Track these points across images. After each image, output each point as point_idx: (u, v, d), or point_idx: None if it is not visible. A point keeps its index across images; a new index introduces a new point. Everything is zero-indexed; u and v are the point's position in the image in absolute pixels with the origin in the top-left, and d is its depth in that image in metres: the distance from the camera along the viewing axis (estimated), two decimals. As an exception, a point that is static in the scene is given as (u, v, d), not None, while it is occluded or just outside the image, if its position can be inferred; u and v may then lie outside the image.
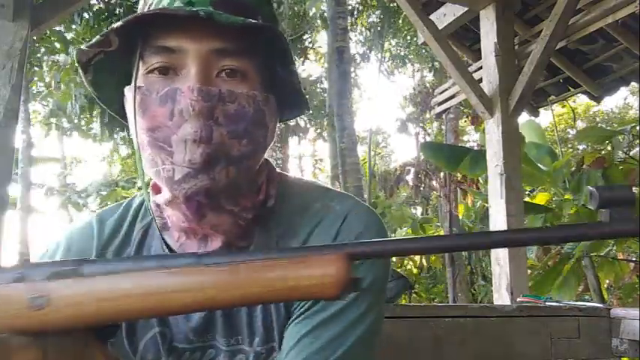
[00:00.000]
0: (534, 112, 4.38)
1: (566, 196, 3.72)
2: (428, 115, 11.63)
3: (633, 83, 4.18)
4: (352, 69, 11.77)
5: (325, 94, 12.33)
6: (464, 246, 0.55)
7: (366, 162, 10.92)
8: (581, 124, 13.03)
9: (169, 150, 0.66)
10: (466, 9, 3.17)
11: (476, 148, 5.57)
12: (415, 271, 9.13)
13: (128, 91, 0.71)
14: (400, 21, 11.34)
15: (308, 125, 14.04)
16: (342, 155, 8.49)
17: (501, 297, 2.82)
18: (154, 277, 0.53)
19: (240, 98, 0.68)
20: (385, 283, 0.75)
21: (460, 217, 7.61)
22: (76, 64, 0.71)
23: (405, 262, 9.17)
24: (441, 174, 8.29)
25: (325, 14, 10.11)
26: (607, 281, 5.57)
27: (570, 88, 4.11)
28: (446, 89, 4.30)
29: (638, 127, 3.76)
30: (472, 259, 8.37)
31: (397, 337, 1.75)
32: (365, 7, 12.11)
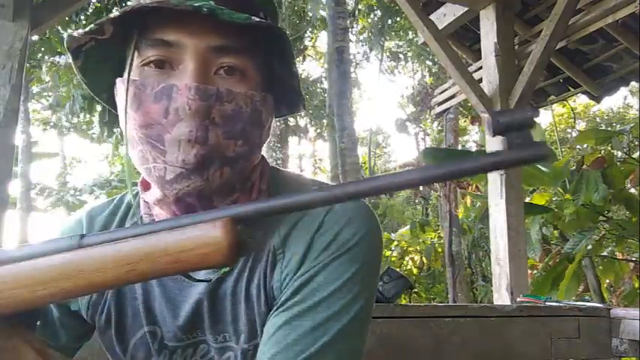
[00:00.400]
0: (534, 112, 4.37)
1: (566, 196, 3.71)
2: (428, 116, 11.63)
3: (633, 83, 4.18)
4: (352, 69, 11.77)
5: (325, 94, 12.32)
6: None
7: (367, 161, 10.92)
8: (581, 124, 13.03)
9: (162, 148, 0.64)
10: (466, 9, 3.17)
11: (476, 148, 5.56)
12: (415, 271, 9.13)
13: (121, 83, 0.68)
14: (402, 21, 11.34)
15: (308, 125, 14.04)
16: (342, 155, 8.49)
17: (501, 297, 2.82)
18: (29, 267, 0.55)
19: (238, 98, 0.66)
20: (374, 269, 0.71)
21: (460, 217, 7.61)
22: (67, 50, 0.69)
23: (405, 262, 9.18)
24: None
25: (325, 16, 10.11)
26: (607, 281, 5.57)
27: (570, 88, 4.12)
28: (446, 89, 4.30)
29: (638, 127, 3.76)
30: (472, 259, 8.36)
31: (397, 337, 1.75)
32: (365, 8, 12.11)
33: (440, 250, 8.68)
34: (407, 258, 9.20)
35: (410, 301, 7.74)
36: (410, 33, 12.00)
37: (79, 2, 2.31)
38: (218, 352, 0.74)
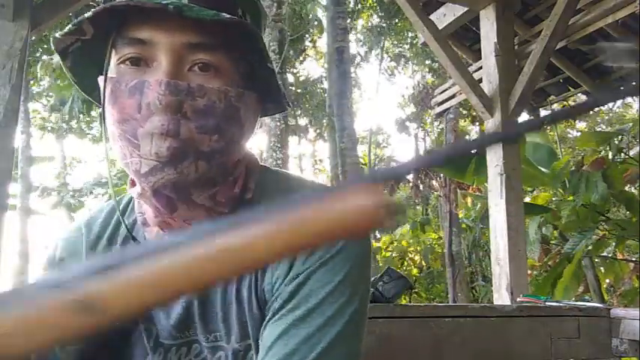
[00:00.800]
0: (534, 112, 4.38)
1: (567, 197, 3.72)
2: (428, 116, 11.63)
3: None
4: (352, 69, 11.76)
5: (325, 94, 12.32)
6: None
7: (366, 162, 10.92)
8: (581, 124, 13.03)
9: (136, 143, 0.66)
10: (466, 9, 3.17)
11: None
12: (415, 271, 9.13)
13: (101, 81, 0.70)
14: (401, 23, 11.34)
15: (308, 125, 14.03)
16: (342, 155, 8.48)
17: (501, 297, 2.82)
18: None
19: (211, 93, 0.67)
20: (365, 270, 0.71)
21: (460, 217, 7.62)
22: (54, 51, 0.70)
23: (405, 262, 9.18)
24: (441, 174, 8.28)
25: (322, 18, 10.11)
26: (607, 281, 5.57)
27: (570, 88, 4.12)
28: (446, 89, 4.30)
29: (638, 127, 3.76)
30: (472, 259, 8.37)
31: (397, 337, 1.75)
32: (365, 8, 12.11)
33: (440, 250, 8.68)
34: (407, 259, 9.21)
35: (410, 301, 7.74)
36: (410, 34, 12.01)
37: (79, 2, 2.31)
38: (210, 351, 0.74)
